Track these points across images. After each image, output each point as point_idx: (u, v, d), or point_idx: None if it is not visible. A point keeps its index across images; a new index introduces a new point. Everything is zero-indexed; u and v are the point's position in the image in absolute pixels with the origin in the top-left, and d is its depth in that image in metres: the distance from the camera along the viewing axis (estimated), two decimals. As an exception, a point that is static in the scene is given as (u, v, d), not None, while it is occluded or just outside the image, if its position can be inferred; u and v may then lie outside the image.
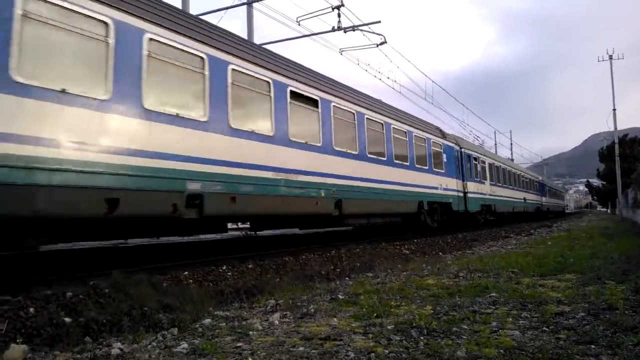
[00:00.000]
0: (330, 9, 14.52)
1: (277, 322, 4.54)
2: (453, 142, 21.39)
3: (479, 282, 6.20)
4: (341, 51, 17.64)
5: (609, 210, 71.01)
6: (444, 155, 19.66)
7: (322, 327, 4.18)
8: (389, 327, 4.02)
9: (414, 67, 23.14)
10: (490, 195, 26.01)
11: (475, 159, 23.98)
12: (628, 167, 43.95)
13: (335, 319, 4.47)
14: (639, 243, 11.61)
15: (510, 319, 4.16)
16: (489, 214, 26.11)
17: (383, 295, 5.69)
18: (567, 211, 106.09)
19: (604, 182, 67.41)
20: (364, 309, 4.78)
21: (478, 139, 40.24)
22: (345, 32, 15.78)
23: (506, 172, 31.35)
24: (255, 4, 15.17)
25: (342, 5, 14.30)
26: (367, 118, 13.68)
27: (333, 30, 15.68)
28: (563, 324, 3.92)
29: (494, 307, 4.65)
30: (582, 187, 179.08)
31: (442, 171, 19.22)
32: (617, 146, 37.94)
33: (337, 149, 11.94)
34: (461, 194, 21.05)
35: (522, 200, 35.41)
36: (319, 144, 11.34)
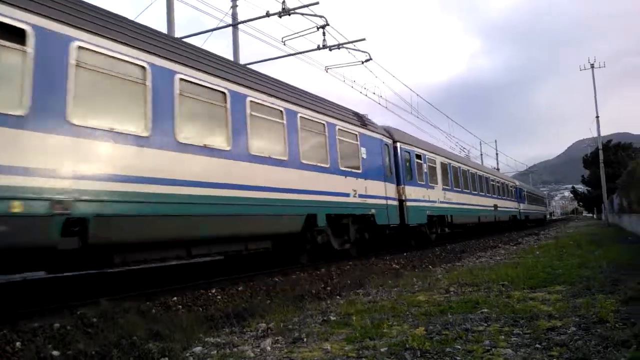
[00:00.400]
0: (316, 29, 14.63)
1: (269, 348, 4.49)
2: (381, 134, 16.43)
3: (470, 297, 6.19)
4: (327, 69, 17.77)
5: (595, 216, 71.74)
6: (363, 150, 14.67)
7: (314, 352, 4.14)
8: (382, 350, 3.99)
9: (399, 82, 23.32)
10: (444, 203, 21.45)
11: (419, 156, 19.25)
12: (612, 173, 44.59)
13: (327, 343, 4.42)
14: (627, 250, 11.71)
15: (503, 336, 4.15)
16: (443, 227, 21.60)
17: (375, 314, 5.66)
18: (552, 218, 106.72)
19: (589, 188, 68.18)
20: (357, 331, 4.75)
21: (464, 150, 40.42)
22: (330, 50, 15.89)
23: (468, 175, 26.44)
24: (240, 26, 15.24)
25: (327, 24, 14.42)
26: (182, 79, 8.84)
27: (318, 48, 15.79)
28: (555, 340, 3.92)
29: (486, 324, 4.64)
30: (567, 193, 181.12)
31: (359, 171, 14.24)
32: (601, 153, 38.44)
33: (81, 124, 7.06)
34: (394, 203, 16.43)
35: (492, 208, 30.89)
36: (21, 112, 6.39)
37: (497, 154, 58.93)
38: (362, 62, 17.10)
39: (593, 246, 13.78)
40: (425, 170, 19.77)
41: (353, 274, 10.87)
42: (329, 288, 9.02)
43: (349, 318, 5.58)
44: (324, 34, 15.23)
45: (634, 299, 5.18)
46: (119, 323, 5.92)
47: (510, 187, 39.37)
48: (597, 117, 36.76)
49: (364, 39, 16.31)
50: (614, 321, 4.30)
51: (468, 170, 26.83)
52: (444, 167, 22.41)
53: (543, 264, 9.74)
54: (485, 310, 5.29)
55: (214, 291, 8.17)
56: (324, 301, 7.60)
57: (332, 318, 5.66)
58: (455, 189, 23.46)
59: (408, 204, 17.36)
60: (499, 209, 32.35)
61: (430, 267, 12.26)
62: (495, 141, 59.62)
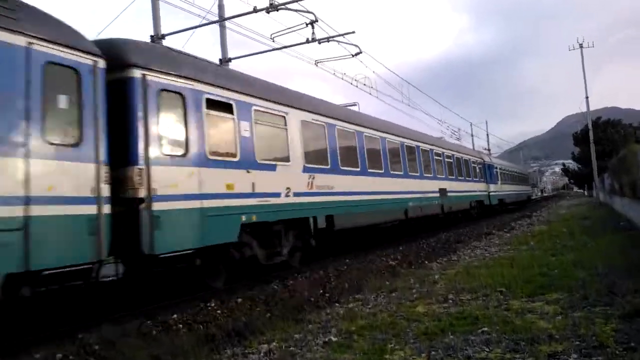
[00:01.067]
0: (305, 25, 14.49)
1: (273, 381, 4.51)
2: (37, 37, 6.96)
3: (470, 311, 6.24)
4: (316, 63, 17.64)
5: (585, 192, 72.39)
6: None
7: (319, 388, 4.16)
8: (386, 385, 4.02)
9: (389, 71, 23.05)
10: (308, 195, 12.36)
11: (222, 106, 10.11)
12: (602, 150, 44.95)
13: (331, 375, 4.46)
14: (620, 242, 11.83)
15: (505, 366, 4.20)
16: (307, 238, 12.48)
17: (376, 333, 5.70)
18: (543, 195, 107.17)
19: (580, 166, 68.67)
20: (359, 358, 4.78)
21: (455, 133, 40.39)
22: (319, 43, 15.73)
23: (384, 146, 17.22)
24: (227, 23, 15.04)
25: (316, 20, 14.27)
26: None
27: (307, 41, 15.63)
28: (557, 371, 3.97)
29: (487, 349, 4.68)
30: (557, 169, 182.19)
31: None
32: (591, 133, 38.69)
33: None
34: (88, 211, 7.27)
35: (436, 194, 21.77)
36: None
37: (487, 135, 58.96)
38: (353, 56, 16.98)
39: (586, 236, 13.89)
40: (247, 134, 10.51)
41: (350, 275, 10.91)
42: (327, 294, 9.04)
43: (351, 338, 5.62)
44: (312, 26, 15.07)
45: (631, 315, 5.24)
46: (121, 349, 5.92)
47: (474, 163, 30.23)
48: (587, 97, 36.95)
49: (353, 32, 16.17)
50: (614, 346, 4.35)
51: (384, 138, 17.30)
52: (313, 131, 13.18)
53: (538, 261, 9.82)
54: (486, 328, 5.34)
55: (213, 305, 8.17)
56: (323, 310, 7.64)
57: (334, 339, 5.68)
58: (344, 168, 14.24)
59: (159, 206, 8.18)
60: (450, 194, 23.46)
61: (426, 262, 12.33)
62: (486, 122, 59.56)
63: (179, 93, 9.09)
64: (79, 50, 7.57)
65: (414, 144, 20.42)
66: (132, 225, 7.94)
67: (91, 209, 7.31)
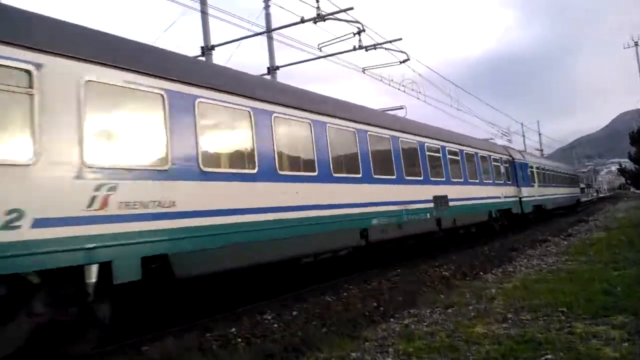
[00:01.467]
0: (352, 35, 14.55)
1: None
2: None
3: (531, 334, 6.11)
4: (364, 70, 17.64)
5: (644, 193, 69.49)
6: None
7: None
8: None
9: (436, 74, 22.63)
10: (103, 217, 6.38)
11: None
12: (662, 150, 42.97)
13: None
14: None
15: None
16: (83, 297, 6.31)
17: (435, 356, 5.66)
18: (598, 195, 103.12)
19: (637, 166, 65.95)
20: (421, 387, 4.77)
21: (506, 134, 39.44)
22: (366, 50, 15.76)
23: (325, 136, 11.14)
24: (274, 34, 15.28)
25: (363, 30, 14.31)
26: None
27: (354, 49, 15.70)
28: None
29: (553, 382, 4.58)
30: (613, 168, 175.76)
31: None
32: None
33: None
34: None
35: (427, 206, 15.36)
36: None
37: (539, 135, 57.38)
38: (400, 62, 16.93)
39: (648, 246, 13.36)
40: None
41: (403, 287, 10.86)
42: (381, 307, 9.03)
43: (410, 360, 5.60)
44: (359, 35, 15.14)
45: None
46: (183, 365, 6.11)
47: (497, 161, 23.19)
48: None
49: (400, 39, 16.14)
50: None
51: (323, 123, 11.22)
52: (117, 102, 7.09)
53: (599, 276, 9.51)
54: (550, 356, 5.22)
55: (269, 318, 8.30)
56: (378, 326, 7.63)
57: (392, 361, 5.67)
58: (211, 171, 8.25)
59: None
60: (453, 203, 16.99)
61: (481, 273, 12.14)
62: (538, 122, 58.00)
63: None
64: None
65: (386, 134, 13.75)
66: None
67: None
